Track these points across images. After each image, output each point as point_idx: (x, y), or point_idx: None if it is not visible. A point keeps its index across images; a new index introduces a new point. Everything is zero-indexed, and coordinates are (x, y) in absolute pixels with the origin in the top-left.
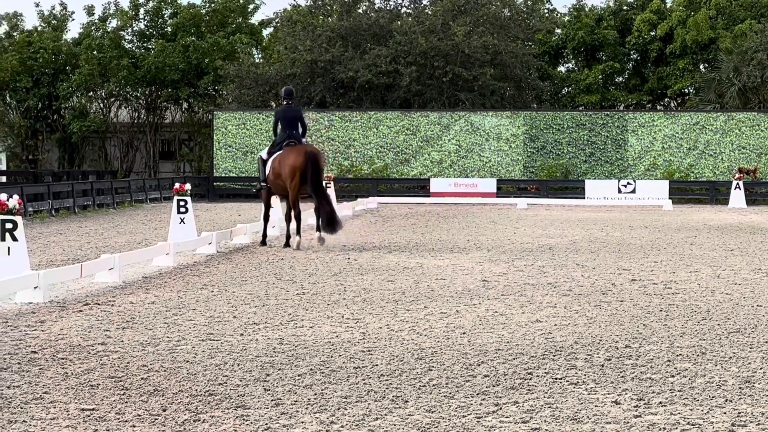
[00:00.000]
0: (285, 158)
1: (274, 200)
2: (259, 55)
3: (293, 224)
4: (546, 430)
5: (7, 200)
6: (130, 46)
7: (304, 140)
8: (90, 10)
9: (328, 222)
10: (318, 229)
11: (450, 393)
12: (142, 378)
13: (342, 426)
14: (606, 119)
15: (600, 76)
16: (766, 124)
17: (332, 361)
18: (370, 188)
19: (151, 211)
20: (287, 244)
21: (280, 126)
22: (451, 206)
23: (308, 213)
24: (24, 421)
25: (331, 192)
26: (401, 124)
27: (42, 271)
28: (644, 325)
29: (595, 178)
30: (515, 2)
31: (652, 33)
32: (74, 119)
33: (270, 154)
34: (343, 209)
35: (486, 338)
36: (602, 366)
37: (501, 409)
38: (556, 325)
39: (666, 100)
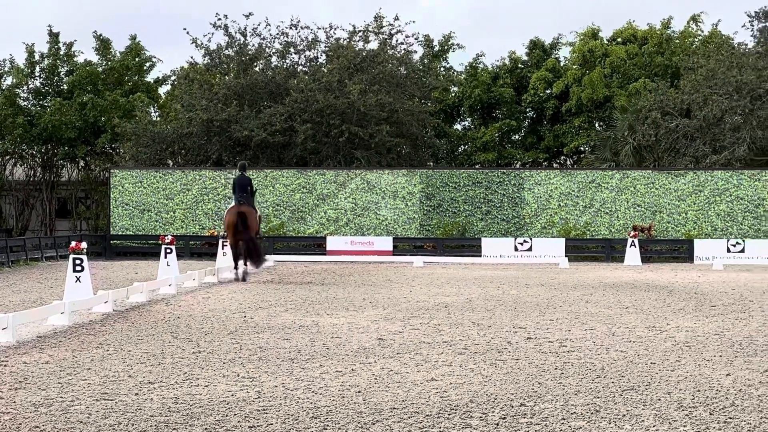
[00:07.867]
0: (227, 216)
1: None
2: (157, 113)
3: (240, 262)
4: None
5: None
6: (25, 103)
7: (252, 199)
8: None
9: (249, 256)
10: (245, 263)
11: None
12: None
13: None
14: (502, 177)
15: (496, 134)
16: (661, 182)
17: (227, 421)
18: (267, 247)
19: (47, 269)
20: (235, 277)
21: (235, 190)
22: (348, 264)
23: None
24: None
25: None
26: (297, 182)
27: None
28: (539, 383)
29: (491, 236)
30: (411, 60)
31: (548, 91)
32: None
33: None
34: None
35: (381, 397)
36: (497, 424)
37: None
38: (451, 383)
39: (562, 157)
